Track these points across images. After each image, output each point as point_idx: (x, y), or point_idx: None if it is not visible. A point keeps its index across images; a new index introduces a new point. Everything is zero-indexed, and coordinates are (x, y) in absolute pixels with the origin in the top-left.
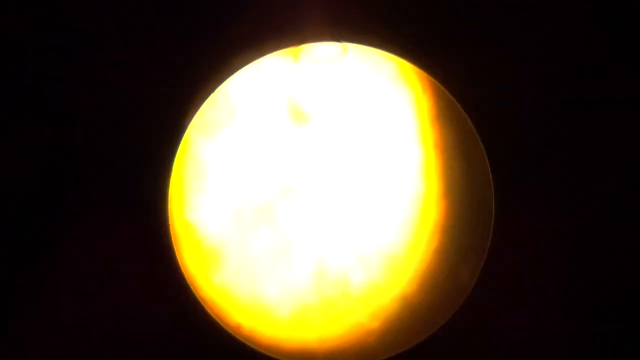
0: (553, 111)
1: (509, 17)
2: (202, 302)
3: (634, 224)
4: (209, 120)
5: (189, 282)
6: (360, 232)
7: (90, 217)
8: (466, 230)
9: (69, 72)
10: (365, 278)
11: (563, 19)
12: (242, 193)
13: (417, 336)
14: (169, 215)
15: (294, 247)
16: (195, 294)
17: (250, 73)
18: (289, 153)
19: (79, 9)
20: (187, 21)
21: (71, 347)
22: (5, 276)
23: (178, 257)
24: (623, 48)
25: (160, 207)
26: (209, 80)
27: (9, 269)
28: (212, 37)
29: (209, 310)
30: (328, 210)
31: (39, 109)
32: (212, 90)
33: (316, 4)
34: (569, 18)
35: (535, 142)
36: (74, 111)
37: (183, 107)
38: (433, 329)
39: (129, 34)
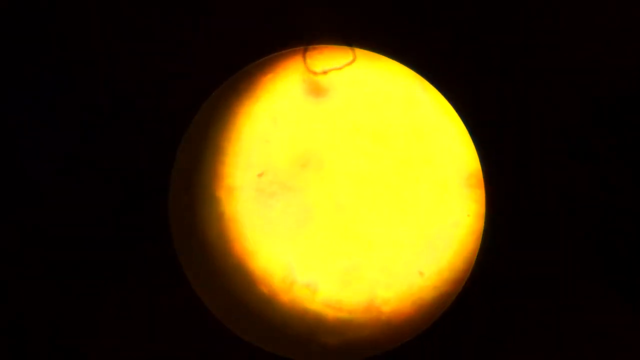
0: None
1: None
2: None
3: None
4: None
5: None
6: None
7: None
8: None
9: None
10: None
11: None
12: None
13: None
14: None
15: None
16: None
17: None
18: (307, 124)
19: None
20: (191, 20)
21: None
22: None
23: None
24: None
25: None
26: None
27: None
28: (222, 33)
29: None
30: (346, 182)
31: None
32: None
33: (328, 6)
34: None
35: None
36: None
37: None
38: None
39: (135, 32)
